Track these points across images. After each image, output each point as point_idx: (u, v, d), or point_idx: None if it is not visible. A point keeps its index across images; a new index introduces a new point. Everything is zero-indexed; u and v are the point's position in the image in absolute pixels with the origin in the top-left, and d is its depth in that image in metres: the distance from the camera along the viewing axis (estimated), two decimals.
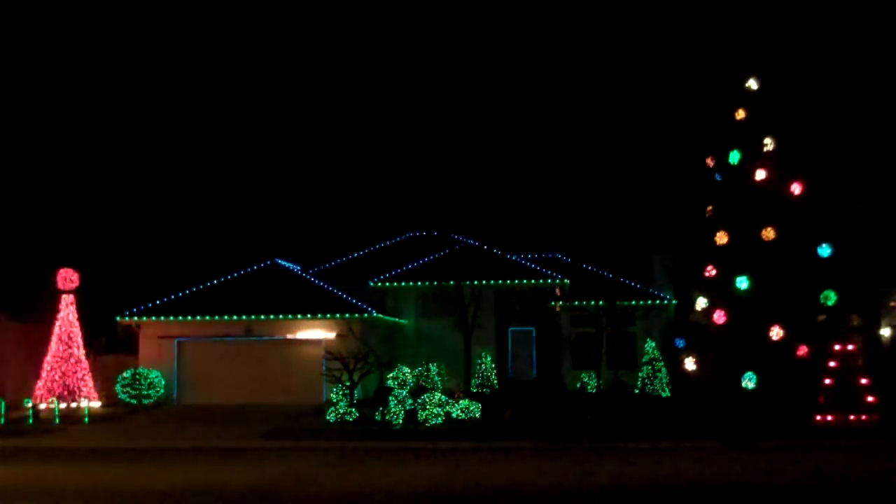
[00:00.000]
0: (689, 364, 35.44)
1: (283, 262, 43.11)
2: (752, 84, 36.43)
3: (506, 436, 29.36)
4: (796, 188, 35.49)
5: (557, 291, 43.64)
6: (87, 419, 35.01)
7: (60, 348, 37.53)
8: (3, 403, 33.58)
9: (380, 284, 43.55)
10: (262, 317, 38.95)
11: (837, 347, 32.75)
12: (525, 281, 43.07)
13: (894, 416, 31.59)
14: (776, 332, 33.99)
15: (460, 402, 33.60)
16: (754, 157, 35.79)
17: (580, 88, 75.37)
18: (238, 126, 73.31)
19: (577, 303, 42.97)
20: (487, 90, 78.16)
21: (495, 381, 40.56)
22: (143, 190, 62.04)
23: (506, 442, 27.86)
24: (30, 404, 36.13)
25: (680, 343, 36.59)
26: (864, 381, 32.47)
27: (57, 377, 37.06)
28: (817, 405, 32.41)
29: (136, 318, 39.52)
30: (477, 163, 65.84)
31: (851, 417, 31.88)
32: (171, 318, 39.31)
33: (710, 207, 36.77)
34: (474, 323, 40.63)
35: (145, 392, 38.32)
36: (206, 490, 18.88)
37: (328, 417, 32.93)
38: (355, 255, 47.96)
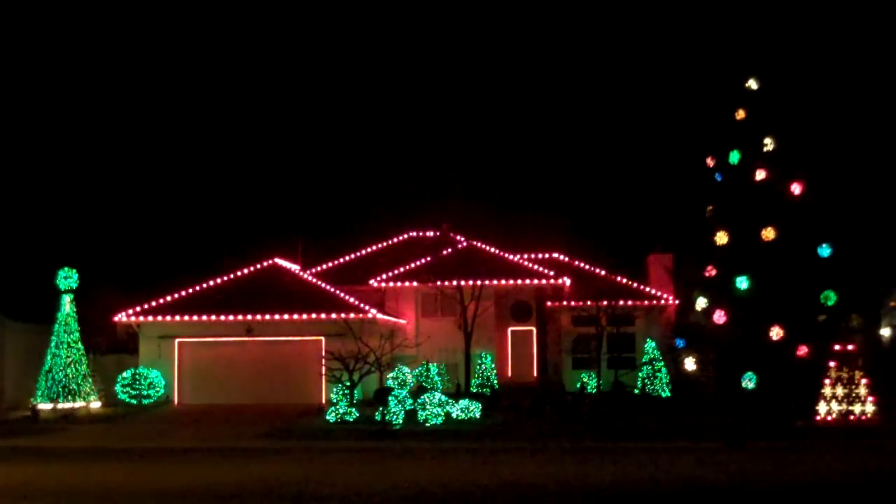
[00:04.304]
0: (689, 364, 35.47)
1: (283, 262, 43.10)
2: (752, 84, 36.46)
3: (506, 436, 29.36)
4: (796, 188, 35.52)
5: (557, 291, 43.62)
6: (87, 419, 35.00)
7: (60, 348, 37.50)
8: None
9: (380, 284, 43.54)
10: (262, 317, 38.95)
11: (837, 347, 32.75)
12: (525, 281, 43.06)
13: (894, 416, 31.60)
14: (776, 332, 34.03)
15: (460, 401, 33.59)
16: (754, 157, 35.83)
17: (581, 88, 75.36)
18: (238, 126, 73.31)
19: (576, 303, 42.93)
20: (488, 90, 78.16)
21: (495, 382, 40.56)
22: (143, 190, 62.02)
23: (506, 442, 27.85)
24: (30, 404, 36.13)
25: (680, 343, 36.63)
26: (864, 381, 32.47)
27: (57, 377, 37.03)
28: (817, 405, 32.42)
29: (136, 318, 39.51)
30: (477, 163, 65.82)
31: (851, 417, 31.88)
32: (171, 318, 39.31)
33: (710, 207, 36.82)
34: (474, 323, 40.63)
35: (145, 392, 38.31)
36: (207, 490, 18.88)
37: (328, 417, 32.91)
38: (355, 255, 47.94)
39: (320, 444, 27.89)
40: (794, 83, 38.50)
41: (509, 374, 43.28)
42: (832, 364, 32.46)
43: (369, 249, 48.28)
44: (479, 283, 41.35)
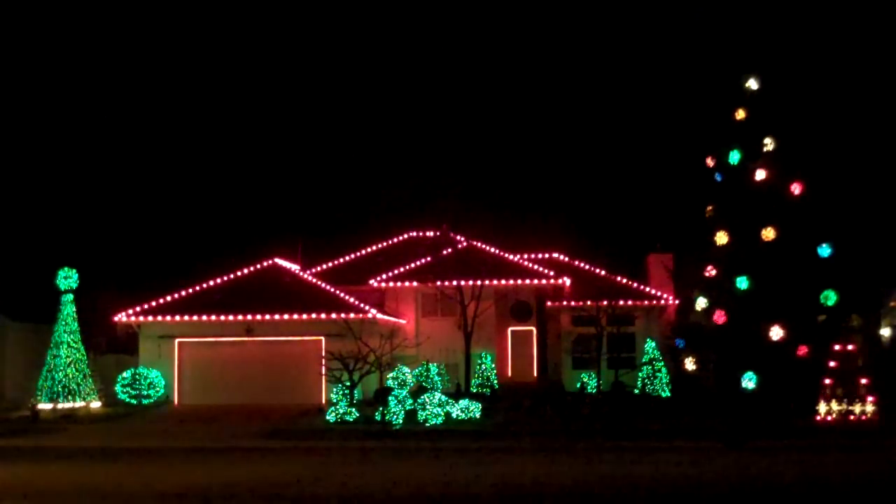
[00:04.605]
0: (689, 364, 35.45)
1: (283, 262, 43.09)
2: (752, 84, 36.45)
3: (506, 436, 29.36)
4: (796, 188, 35.51)
5: (557, 291, 43.62)
6: (87, 419, 35.00)
7: (60, 348, 37.51)
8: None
9: (380, 284, 43.53)
10: (262, 317, 38.94)
11: (837, 347, 32.72)
12: (525, 281, 43.07)
13: (894, 416, 31.59)
14: (776, 332, 33.99)
15: (460, 401, 33.60)
16: (754, 157, 35.81)
17: (581, 88, 75.37)
18: (238, 126, 73.32)
19: (576, 303, 42.92)
20: (487, 90, 78.17)
21: (495, 382, 40.56)
22: (144, 190, 62.02)
23: (506, 442, 27.86)
24: (30, 404, 36.14)
25: (680, 343, 36.58)
26: (864, 381, 32.45)
27: (57, 377, 37.04)
28: (817, 405, 32.42)
29: (136, 318, 39.50)
30: (477, 163, 65.76)
31: (851, 417, 31.87)
32: (171, 318, 39.30)
33: (710, 207, 36.78)
34: (474, 323, 40.63)
35: (145, 392, 38.31)
36: (206, 490, 18.87)
37: (328, 417, 32.93)
38: (355, 255, 47.93)
39: (320, 444, 27.89)
40: (794, 83, 38.53)
41: (509, 374, 43.27)
42: (832, 364, 32.44)
43: (369, 249, 48.27)
44: (479, 283, 41.36)
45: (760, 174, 35.44)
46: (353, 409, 33.11)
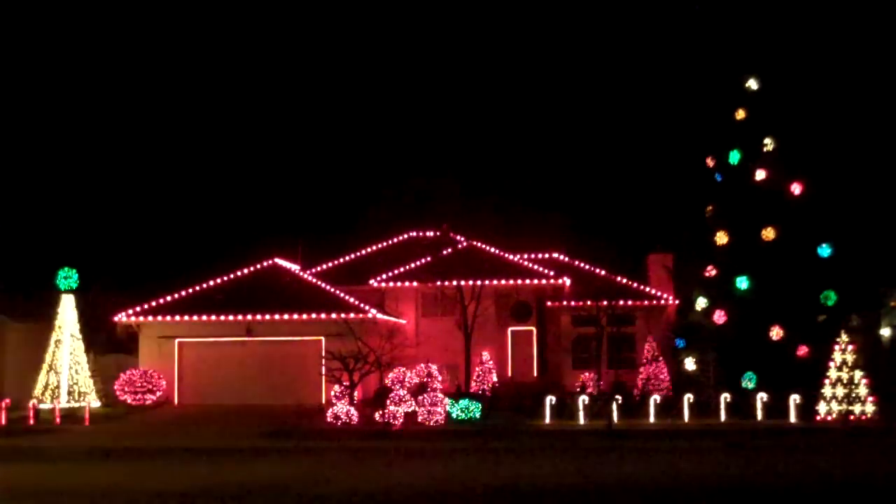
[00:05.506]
0: (689, 364, 35.51)
1: (283, 262, 43.09)
2: (752, 84, 36.50)
3: (505, 436, 29.36)
4: (796, 188, 35.58)
5: (557, 291, 43.60)
6: (87, 419, 35.00)
7: (60, 348, 37.49)
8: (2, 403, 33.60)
9: (380, 284, 43.53)
10: (262, 317, 38.94)
11: (837, 347, 32.73)
12: (525, 281, 43.06)
13: (894, 416, 31.60)
14: (776, 332, 34.07)
15: (460, 401, 33.60)
16: (754, 157, 35.88)
17: (580, 88, 75.33)
18: (238, 126, 73.30)
19: (576, 303, 42.89)
20: (487, 89, 78.16)
21: (495, 381, 40.55)
22: (143, 190, 62.01)
23: (505, 442, 27.86)
24: (30, 404, 36.13)
25: (680, 343, 36.69)
26: (864, 381, 32.46)
27: (57, 377, 37.00)
28: (817, 405, 32.42)
29: (136, 318, 39.49)
30: (477, 162, 65.76)
31: (851, 417, 31.87)
32: (171, 318, 39.28)
33: (710, 207, 36.87)
34: (474, 323, 40.63)
35: (145, 392, 38.29)
36: (207, 490, 18.88)
37: (328, 417, 32.92)
38: (355, 255, 47.93)
39: (320, 444, 27.89)
40: (794, 83, 38.48)
41: (509, 374, 43.25)
42: (832, 364, 32.44)
43: (369, 249, 48.25)
44: (479, 283, 41.36)
45: (760, 174, 35.51)
46: (353, 409, 33.10)
